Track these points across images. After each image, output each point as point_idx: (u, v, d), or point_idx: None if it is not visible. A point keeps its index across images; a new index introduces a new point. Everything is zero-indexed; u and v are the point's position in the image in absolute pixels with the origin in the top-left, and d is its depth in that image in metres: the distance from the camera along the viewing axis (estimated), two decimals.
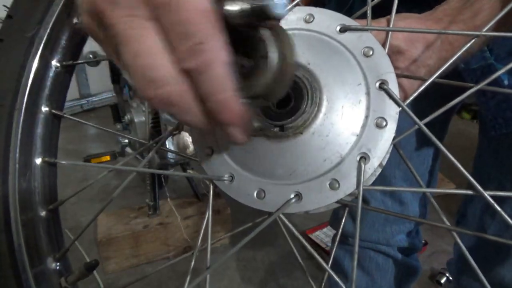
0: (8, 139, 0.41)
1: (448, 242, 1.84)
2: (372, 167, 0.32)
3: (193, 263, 0.38)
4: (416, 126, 0.32)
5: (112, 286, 1.65)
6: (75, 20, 0.45)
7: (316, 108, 0.34)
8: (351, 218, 0.87)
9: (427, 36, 0.39)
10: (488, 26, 0.34)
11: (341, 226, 0.45)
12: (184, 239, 1.78)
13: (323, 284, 0.37)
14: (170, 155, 1.74)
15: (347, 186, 0.32)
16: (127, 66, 0.25)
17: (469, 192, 0.31)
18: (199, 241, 0.39)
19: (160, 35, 0.25)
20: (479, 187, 0.30)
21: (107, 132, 2.92)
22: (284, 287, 1.66)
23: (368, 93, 0.34)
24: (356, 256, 0.33)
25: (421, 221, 0.40)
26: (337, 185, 0.33)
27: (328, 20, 0.37)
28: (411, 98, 0.35)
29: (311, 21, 0.37)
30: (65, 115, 0.46)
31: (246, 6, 0.25)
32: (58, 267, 0.44)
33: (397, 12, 0.38)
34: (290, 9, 0.38)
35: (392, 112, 0.33)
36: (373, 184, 0.36)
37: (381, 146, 0.32)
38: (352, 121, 0.33)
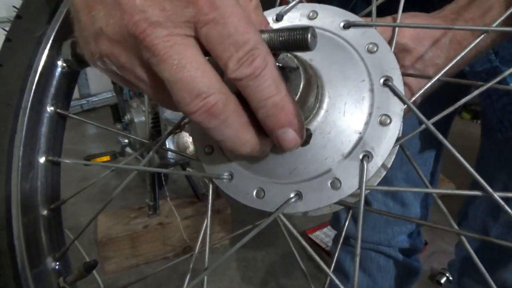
0: (12, 138, 0.41)
1: (448, 242, 1.84)
2: (376, 166, 0.31)
3: (192, 264, 0.38)
4: (424, 126, 0.31)
5: (112, 286, 1.65)
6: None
7: (317, 105, 0.33)
8: (353, 219, 0.87)
9: (435, 35, 0.38)
10: (497, 22, 0.33)
11: (345, 227, 0.45)
12: (183, 239, 1.78)
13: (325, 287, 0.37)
14: (170, 154, 1.74)
15: (349, 186, 0.31)
16: (169, 83, 0.25)
17: (478, 193, 0.30)
18: (199, 241, 0.38)
19: (201, 52, 0.25)
20: (489, 188, 0.29)
21: (107, 132, 2.91)
22: (284, 287, 1.66)
23: (372, 90, 0.33)
24: (358, 259, 0.32)
25: (428, 224, 0.40)
26: (338, 185, 0.32)
27: (332, 16, 0.36)
28: (417, 95, 0.35)
29: (315, 18, 0.37)
30: (70, 115, 0.46)
31: (285, 35, 0.26)
32: (57, 267, 0.44)
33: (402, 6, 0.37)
34: (294, 6, 0.37)
35: (396, 109, 0.32)
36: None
37: (385, 145, 0.31)
38: (355, 119, 0.32)
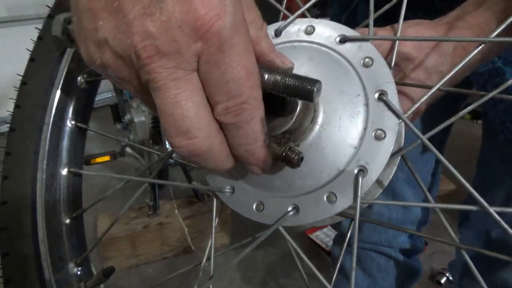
0: (37, 152, 0.44)
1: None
2: (370, 181, 0.31)
3: (201, 273, 0.39)
4: (425, 133, 0.31)
5: (112, 286, 1.65)
6: None
7: (312, 121, 0.33)
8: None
9: (437, 42, 0.38)
10: (498, 31, 0.33)
11: (348, 233, 0.45)
12: (183, 239, 1.78)
13: None
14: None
15: (344, 200, 0.32)
16: (160, 112, 0.25)
17: (473, 207, 0.31)
18: (206, 252, 0.41)
19: (200, 87, 0.26)
20: (485, 203, 0.30)
21: (107, 132, 2.91)
22: (284, 287, 1.66)
23: (367, 104, 0.33)
24: (354, 264, 0.32)
25: (429, 237, 0.40)
26: (334, 199, 0.32)
27: (329, 31, 0.37)
28: (413, 109, 0.34)
29: (312, 33, 0.37)
30: (89, 128, 0.49)
31: (292, 82, 0.28)
32: (79, 272, 0.47)
33: (403, 16, 0.37)
34: (291, 21, 0.38)
35: (391, 124, 0.32)
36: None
37: (380, 159, 0.31)
38: (350, 133, 0.33)
